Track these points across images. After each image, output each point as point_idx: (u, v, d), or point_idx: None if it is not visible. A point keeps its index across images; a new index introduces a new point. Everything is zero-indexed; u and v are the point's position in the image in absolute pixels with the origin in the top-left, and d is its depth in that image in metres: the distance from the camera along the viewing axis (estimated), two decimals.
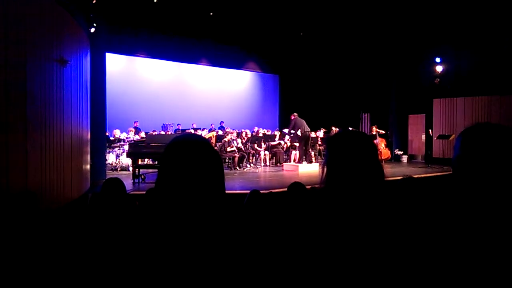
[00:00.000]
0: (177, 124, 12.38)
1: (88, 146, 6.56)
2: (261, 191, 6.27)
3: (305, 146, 10.27)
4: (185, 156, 1.08)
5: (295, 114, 10.45)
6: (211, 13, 11.62)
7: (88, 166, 6.51)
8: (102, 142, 7.97)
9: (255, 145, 11.48)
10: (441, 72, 12.12)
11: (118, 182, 2.93)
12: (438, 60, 12.16)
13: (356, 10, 10.95)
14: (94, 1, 7.01)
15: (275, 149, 11.73)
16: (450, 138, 11.28)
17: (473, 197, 1.13)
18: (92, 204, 4.10)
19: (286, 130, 11.67)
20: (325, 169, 1.24)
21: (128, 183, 7.09)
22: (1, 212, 2.69)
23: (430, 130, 12.30)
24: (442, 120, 12.51)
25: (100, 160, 7.67)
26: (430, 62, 12.27)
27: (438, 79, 12.11)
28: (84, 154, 6.11)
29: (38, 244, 2.35)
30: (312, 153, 11.80)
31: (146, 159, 9.08)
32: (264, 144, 11.55)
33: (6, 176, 3.43)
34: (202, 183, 1.07)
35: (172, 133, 11.13)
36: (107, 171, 8.39)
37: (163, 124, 12.15)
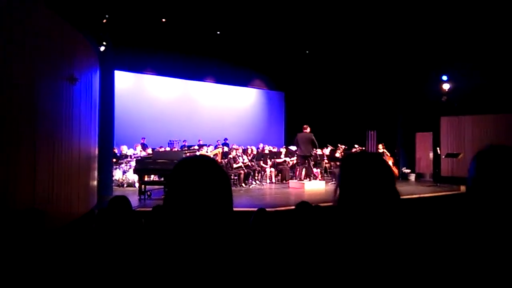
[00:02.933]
0: (183, 141, 12.42)
1: (96, 162, 6.59)
2: (267, 209, 6.20)
3: (308, 163, 10.17)
4: (194, 174, 1.09)
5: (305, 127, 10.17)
6: (218, 32, 11.82)
7: (96, 182, 6.52)
8: (109, 158, 8.02)
9: (261, 162, 11.46)
10: (448, 89, 12.11)
11: (124, 200, 2.92)
12: (444, 78, 12.18)
13: (362, 28, 11.07)
14: (104, 21, 7.19)
15: (280, 166, 11.69)
16: (459, 157, 11.16)
17: (490, 220, 1.13)
18: (98, 221, 4.08)
19: (293, 148, 11.63)
20: (338, 190, 1.22)
21: (134, 200, 7.08)
22: (8, 230, 2.68)
23: (438, 148, 12.20)
24: (450, 138, 12.41)
25: (107, 176, 7.70)
26: (437, 80, 12.28)
27: (445, 97, 12.09)
28: (91, 170, 6.13)
29: (44, 262, 2.33)
30: (318, 170, 11.73)
31: (152, 176, 9.08)
32: (270, 161, 11.52)
33: (14, 193, 3.44)
34: (210, 201, 1.07)
35: (179, 149, 11.16)
36: (113, 187, 8.40)
37: (170, 141, 12.20)
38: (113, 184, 8.56)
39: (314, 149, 10.10)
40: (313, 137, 9.94)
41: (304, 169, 10.21)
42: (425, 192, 9.49)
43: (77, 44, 5.27)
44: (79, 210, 5.18)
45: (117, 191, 8.38)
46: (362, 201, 1.17)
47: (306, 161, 10.08)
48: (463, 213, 1.24)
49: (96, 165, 6.59)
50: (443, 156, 11.82)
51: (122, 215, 2.89)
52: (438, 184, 11.00)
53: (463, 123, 12.21)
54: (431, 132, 12.97)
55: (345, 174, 1.22)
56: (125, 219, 2.90)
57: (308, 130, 10.06)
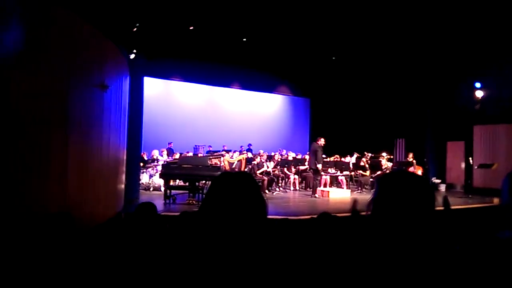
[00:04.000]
0: (209, 146, 12.57)
1: (124, 166, 6.77)
2: (290, 217, 6.16)
3: (314, 176, 9.89)
4: (232, 187, 1.21)
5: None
6: (244, 39, 11.92)
7: (123, 186, 6.69)
8: (137, 162, 8.22)
9: (285, 169, 11.40)
10: (481, 97, 11.64)
11: (151, 206, 2.99)
12: (478, 85, 11.72)
13: (390, 33, 10.85)
14: (134, 30, 7.42)
15: (304, 174, 11.58)
16: (493, 168, 10.66)
17: None
18: (125, 224, 4.19)
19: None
20: (372, 205, 1.20)
21: (160, 204, 7.22)
22: (40, 232, 2.79)
23: (470, 158, 11.72)
24: (483, 148, 11.90)
25: (134, 179, 7.88)
26: (469, 87, 11.83)
27: (479, 105, 11.63)
28: (120, 174, 6.31)
29: (74, 265, 2.41)
30: (343, 178, 11.55)
31: (177, 180, 9.23)
32: (294, 168, 11.44)
33: (47, 196, 3.59)
34: (246, 212, 1.18)
35: (204, 154, 11.30)
36: (140, 190, 8.61)
37: (195, 145, 12.39)
38: (140, 187, 8.76)
39: (316, 162, 9.45)
40: (317, 149, 9.43)
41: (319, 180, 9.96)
42: (457, 204, 9.12)
43: (108, 52, 5.47)
44: (106, 213, 5.33)
45: (143, 195, 8.58)
46: (398, 223, 1.13)
47: (313, 173, 9.81)
48: (498, 227, 1.22)
49: (124, 168, 6.77)
50: (476, 167, 11.33)
51: (149, 221, 2.96)
52: (470, 196, 10.54)
53: (497, 132, 11.68)
54: (463, 141, 12.48)
55: (384, 193, 1.18)
56: (151, 225, 2.97)
57: (320, 142, 9.56)
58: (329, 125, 15.09)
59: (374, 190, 1.25)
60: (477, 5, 8.66)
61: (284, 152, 13.06)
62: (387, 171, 11.94)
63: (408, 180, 1.18)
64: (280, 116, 16.47)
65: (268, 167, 10.84)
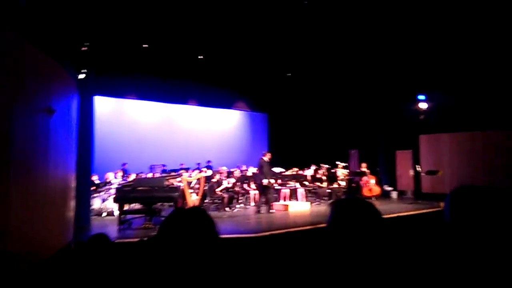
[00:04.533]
0: (162, 165, 12.17)
1: (73, 192, 6.40)
2: (251, 235, 6.13)
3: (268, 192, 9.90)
4: (185, 223, 1.29)
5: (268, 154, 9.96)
6: (200, 57, 11.91)
7: (72, 213, 6.31)
8: (87, 187, 7.80)
9: (244, 185, 11.39)
10: (426, 109, 12.50)
11: (102, 238, 2.83)
12: (422, 97, 12.60)
13: (342, 51, 11.37)
14: (84, 48, 7.15)
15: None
16: (438, 174, 11.41)
17: (468, 255, 1.26)
18: (75, 257, 3.93)
19: (276, 170, 11.59)
20: (327, 230, 1.34)
21: (114, 230, 6.88)
22: None
23: (417, 165, 12.44)
24: (429, 155, 12.71)
25: (84, 205, 7.46)
26: (415, 99, 12.69)
27: (423, 116, 12.47)
28: (68, 201, 5.94)
29: None
30: (302, 189, 11.76)
31: (132, 204, 8.87)
32: (254, 183, 11.46)
33: None
34: (198, 249, 1.25)
35: (160, 174, 11.00)
36: (92, 216, 8.15)
37: (151, 165, 12.03)
38: (92, 213, 8.30)
39: (261, 177, 9.65)
40: (262, 164, 9.65)
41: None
42: (407, 210, 9.61)
43: (55, 74, 5.21)
44: (55, 243, 4.98)
45: (96, 221, 8.14)
46: (350, 247, 1.26)
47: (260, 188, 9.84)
48: (443, 242, 1.36)
49: (73, 195, 6.39)
50: (423, 173, 12.06)
51: (101, 254, 2.79)
52: (420, 201, 11.16)
53: (441, 141, 12.55)
54: (411, 150, 13.26)
55: (336, 219, 1.33)
56: (103, 258, 2.80)
57: (265, 157, 9.79)
58: (287, 139, 15.38)
59: (329, 212, 1.39)
60: (420, 26, 9.36)
61: (244, 167, 13.06)
62: (344, 181, 12.40)
63: (357, 205, 1.36)
64: (239, 132, 16.52)
65: (229, 183, 10.77)
